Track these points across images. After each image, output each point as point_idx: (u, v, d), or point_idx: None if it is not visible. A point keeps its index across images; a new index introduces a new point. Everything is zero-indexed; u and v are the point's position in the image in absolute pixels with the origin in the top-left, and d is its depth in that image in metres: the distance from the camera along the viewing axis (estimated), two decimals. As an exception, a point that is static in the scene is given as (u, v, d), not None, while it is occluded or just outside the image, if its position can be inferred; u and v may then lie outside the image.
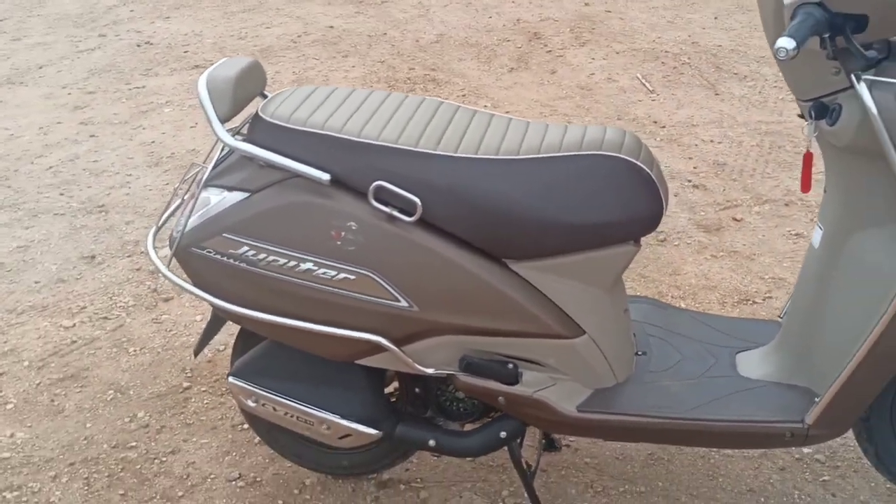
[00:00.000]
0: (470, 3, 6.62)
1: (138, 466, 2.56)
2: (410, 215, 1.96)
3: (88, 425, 2.72)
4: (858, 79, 1.83)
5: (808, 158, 2.01)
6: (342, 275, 1.99)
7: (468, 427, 2.27)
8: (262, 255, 2.02)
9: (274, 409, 2.20)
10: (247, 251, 2.03)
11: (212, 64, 2.17)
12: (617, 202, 2.01)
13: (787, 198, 3.87)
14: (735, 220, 3.72)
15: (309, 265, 2.00)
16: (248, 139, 2.07)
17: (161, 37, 6.13)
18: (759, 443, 2.18)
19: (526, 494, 2.30)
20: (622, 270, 2.11)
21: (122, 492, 2.48)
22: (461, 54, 5.67)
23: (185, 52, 5.83)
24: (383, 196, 1.96)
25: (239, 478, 2.51)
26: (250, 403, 2.23)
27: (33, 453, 2.61)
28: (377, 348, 2.05)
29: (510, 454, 2.25)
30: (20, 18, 6.69)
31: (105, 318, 3.22)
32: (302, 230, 2.01)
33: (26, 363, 2.99)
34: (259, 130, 2.07)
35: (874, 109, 1.81)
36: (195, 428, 2.70)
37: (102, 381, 2.90)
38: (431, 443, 2.20)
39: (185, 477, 2.52)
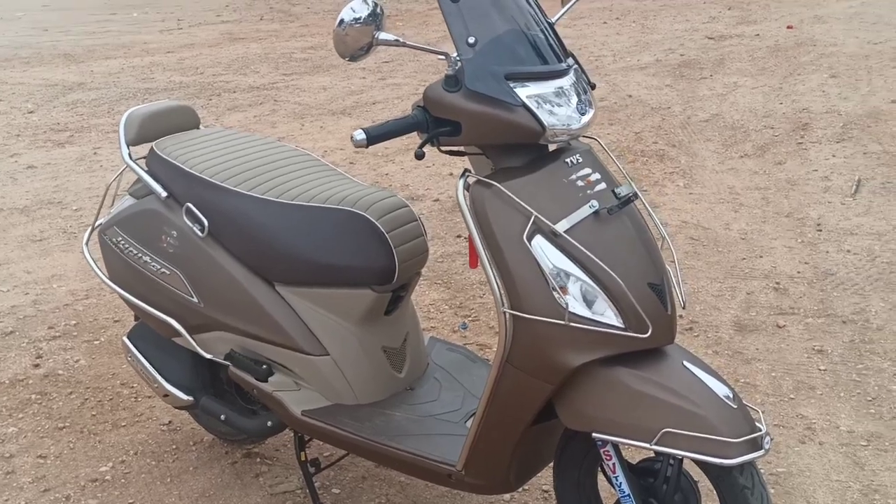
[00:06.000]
0: (780, 88, 6.53)
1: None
2: (203, 232, 2.52)
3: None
4: (462, 174, 2.06)
5: (472, 238, 2.21)
6: (163, 269, 2.61)
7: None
8: (127, 246, 2.70)
9: (135, 365, 2.86)
10: (121, 241, 2.72)
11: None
12: (353, 251, 2.39)
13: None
14: (778, 326, 3.57)
15: (147, 258, 2.65)
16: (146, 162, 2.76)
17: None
18: (432, 477, 2.33)
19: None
20: (364, 310, 2.44)
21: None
22: (715, 135, 5.72)
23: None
24: (191, 214, 2.55)
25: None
26: (128, 359, 2.90)
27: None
28: (177, 331, 2.63)
29: (295, 450, 2.66)
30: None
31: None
32: (147, 231, 2.65)
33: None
34: (149, 155, 2.75)
35: (461, 200, 2.02)
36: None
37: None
38: (222, 417, 2.67)
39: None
